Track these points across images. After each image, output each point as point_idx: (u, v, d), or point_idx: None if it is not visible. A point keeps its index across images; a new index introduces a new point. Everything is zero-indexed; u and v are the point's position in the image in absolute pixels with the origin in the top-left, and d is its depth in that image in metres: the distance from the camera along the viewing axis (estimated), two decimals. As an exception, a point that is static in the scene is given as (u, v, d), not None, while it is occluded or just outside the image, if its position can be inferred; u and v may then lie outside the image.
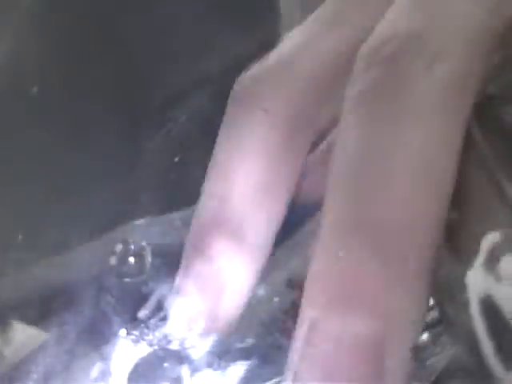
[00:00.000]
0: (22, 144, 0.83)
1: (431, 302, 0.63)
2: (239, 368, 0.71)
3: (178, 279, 0.62)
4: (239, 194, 0.56)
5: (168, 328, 0.73)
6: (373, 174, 0.35)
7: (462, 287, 0.60)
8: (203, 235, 0.60)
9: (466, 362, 0.59)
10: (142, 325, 0.74)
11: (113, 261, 0.77)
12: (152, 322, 0.74)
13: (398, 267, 0.37)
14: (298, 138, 0.49)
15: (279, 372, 0.68)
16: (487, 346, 0.56)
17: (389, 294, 0.38)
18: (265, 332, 0.71)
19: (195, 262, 0.62)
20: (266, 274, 0.68)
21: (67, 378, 0.73)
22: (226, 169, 0.57)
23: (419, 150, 0.35)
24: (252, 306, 0.73)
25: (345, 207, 0.37)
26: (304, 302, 0.42)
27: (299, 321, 0.44)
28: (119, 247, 0.78)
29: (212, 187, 0.59)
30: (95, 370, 0.73)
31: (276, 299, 0.74)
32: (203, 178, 0.60)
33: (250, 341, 0.72)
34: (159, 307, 0.75)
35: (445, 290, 0.65)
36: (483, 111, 0.44)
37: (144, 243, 0.78)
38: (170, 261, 0.75)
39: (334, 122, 0.43)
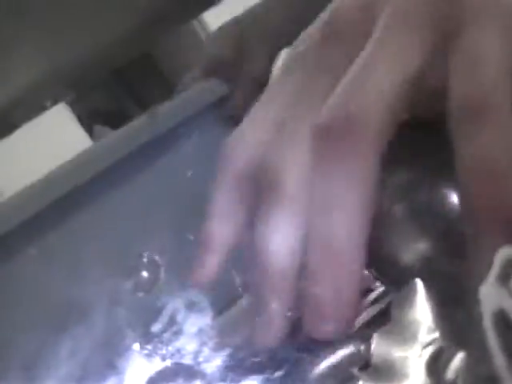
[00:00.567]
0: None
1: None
2: (252, 382, 0.72)
3: None
4: None
5: (181, 342, 0.73)
6: None
7: (476, 301, 0.60)
8: None
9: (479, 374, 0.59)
10: (156, 339, 0.74)
11: (126, 274, 0.77)
12: (165, 335, 0.75)
13: None
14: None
15: (292, 386, 0.69)
16: (500, 359, 0.56)
17: None
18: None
19: None
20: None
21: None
22: None
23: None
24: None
25: None
26: None
27: None
28: (133, 261, 0.78)
29: None
30: (108, 383, 0.73)
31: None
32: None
33: (262, 355, 0.72)
34: (172, 321, 0.75)
35: (459, 304, 0.65)
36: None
37: (157, 257, 0.79)
38: (184, 274, 0.75)
39: None
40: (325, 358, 0.69)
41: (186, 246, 0.79)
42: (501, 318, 0.58)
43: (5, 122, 0.84)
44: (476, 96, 0.50)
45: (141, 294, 0.77)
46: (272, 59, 0.71)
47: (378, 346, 0.63)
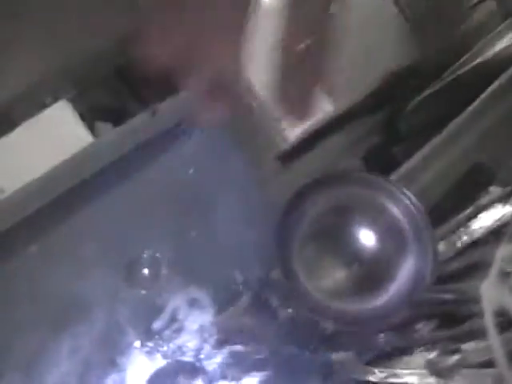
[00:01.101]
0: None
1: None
2: (253, 379, 0.72)
3: None
4: None
5: (182, 339, 0.73)
6: None
7: (477, 298, 0.60)
8: None
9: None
10: (157, 336, 0.74)
11: (127, 272, 0.77)
12: (166, 333, 0.74)
13: None
14: None
15: (293, 383, 0.69)
16: (500, 356, 0.56)
17: None
18: (278, 344, 0.71)
19: None
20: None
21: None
22: None
23: None
24: (266, 318, 0.73)
25: None
26: None
27: None
28: (134, 259, 0.78)
29: None
30: (110, 380, 0.73)
31: (290, 311, 0.74)
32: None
33: (263, 352, 0.72)
34: (173, 318, 0.75)
35: (461, 301, 0.65)
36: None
37: (158, 254, 0.79)
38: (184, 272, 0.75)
39: None
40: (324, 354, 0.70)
41: (187, 243, 0.79)
42: (502, 314, 0.58)
43: (5, 119, 0.84)
44: None
45: (142, 292, 0.76)
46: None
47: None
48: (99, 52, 0.88)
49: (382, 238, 0.75)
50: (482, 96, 0.94)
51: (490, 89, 0.95)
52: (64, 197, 0.80)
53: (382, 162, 1.10)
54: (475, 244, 0.74)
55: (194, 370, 0.71)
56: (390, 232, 0.75)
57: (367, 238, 0.75)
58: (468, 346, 0.62)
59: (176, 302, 0.76)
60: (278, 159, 1.15)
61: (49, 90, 0.88)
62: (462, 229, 0.77)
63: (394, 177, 0.87)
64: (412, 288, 0.71)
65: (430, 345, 0.67)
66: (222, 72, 0.56)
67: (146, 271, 0.77)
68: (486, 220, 0.76)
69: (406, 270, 0.72)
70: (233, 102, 0.56)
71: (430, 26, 1.15)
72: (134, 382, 0.73)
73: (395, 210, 0.76)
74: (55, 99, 0.87)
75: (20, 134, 0.84)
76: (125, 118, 0.87)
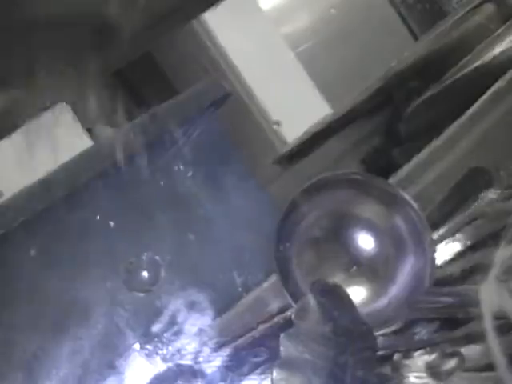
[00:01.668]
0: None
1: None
2: (252, 382, 0.72)
3: None
4: None
5: (182, 342, 0.73)
6: None
7: (476, 301, 0.60)
8: None
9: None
10: (156, 339, 0.74)
11: (127, 275, 0.77)
12: (166, 336, 0.74)
13: None
14: None
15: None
16: (500, 359, 0.56)
17: None
18: (277, 346, 0.71)
19: None
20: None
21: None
22: None
23: None
24: (265, 320, 0.73)
25: None
26: None
27: None
28: (133, 261, 0.78)
29: None
30: (109, 383, 0.73)
31: (290, 312, 0.74)
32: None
33: (262, 355, 0.72)
34: (173, 321, 0.75)
35: (459, 304, 0.64)
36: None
37: (157, 257, 0.79)
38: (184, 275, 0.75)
39: None
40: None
41: (187, 246, 0.79)
42: (502, 317, 0.58)
43: (5, 122, 0.84)
44: None
45: (141, 295, 0.76)
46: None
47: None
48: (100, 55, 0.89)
49: (380, 241, 0.75)
50: (480, 100, 0.94)
51: (488, 92, 0.95)
52: (63, 200, 0.80)
53: (381, 164, 1.10)
54: (474, 247, 0.74)
55: (193, 372, 0.71)
56: (388, 235, 0.75)
57: (366, 241, 0.75)
58: (467, 350, 0.62)
59: (175, 304, 0.76)
60: (277, 162, 1.15)
61: (48, 93, 0.88)
62: (460, 231, 0.78)
63: (392, 180, 0.87)
64: (411, 291, 0.71)
65: (429, 348, 0.66)
66: None
67: (145, 274, 0.77)
68: (484, 223, 0.76)
69: (404, 273, 0.72)
70: None
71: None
72: (132, 384, 0.73)
73: (394, 213, 0.76)
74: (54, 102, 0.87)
75: (19, 137, 0.84)
76: (124, 120, 0.87)
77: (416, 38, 1.40)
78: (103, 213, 0.81)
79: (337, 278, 0.73)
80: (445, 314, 0.69)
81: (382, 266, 0.73)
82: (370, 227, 0.75)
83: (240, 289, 0.78)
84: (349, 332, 0.63)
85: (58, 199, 0.79)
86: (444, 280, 0.72)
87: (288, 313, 0.73)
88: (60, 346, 0.74)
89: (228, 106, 1.03)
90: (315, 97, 1.23)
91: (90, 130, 0.92)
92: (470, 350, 0.63)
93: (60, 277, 0.77)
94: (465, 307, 0.65)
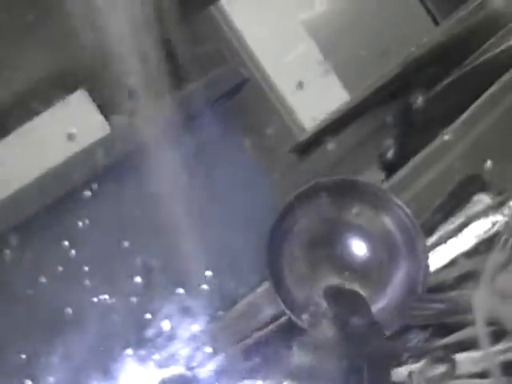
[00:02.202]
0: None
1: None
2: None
3: None
4: None
5: (175, 347, 0.73)
6: None
7: (469, 307, 0.59)
8: None
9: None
10: (149, 344, 0.74)
11: (120, 280, 0.77)
12: (159, 341, 0.74)
13: None
14: None
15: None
16: (493, 363, 0.55)
17: None
18: (271, 351, 0.71)
19: None
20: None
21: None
22: None
23: None
24: (259, 325, 0.73)
25: None
26: None
27: None
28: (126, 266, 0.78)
29: None
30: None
31: (284, 318, 0.74)
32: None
33: (256, 359, 0.72)
34: (166, 326, 0.75)
35: (452, 311, 0.64)
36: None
37: (151, 262, 0.78)
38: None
39: None
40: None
41: (180, 250, 0.79)
42: (493, 324, 0.57)
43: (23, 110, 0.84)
44: None
45: (134, 299, 0.76)
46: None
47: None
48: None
49: (373, 246, 0.74)
50: (474, 104, 0.92)
51: (482, 96, 0.93)
52: (56, 203, 0.80)
53: (399, 154, 1.08)
54: (467, 253, 0.73)
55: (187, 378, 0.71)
56: (381, 241, 0.74)
57: (359, 246, 0.74)
58: (460, 356, 0.62)
59: (168, 309, 0.76)
60: (294, 151, 1.14)
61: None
62: (453, 238, 0.76)
63: (386, 185, 0.86)
64: (404, 297, 0.70)
65: (422, 354, 0.66)
66: None
67: (138, 279, 0.77)
68: (477, 229, 0.74)
69: (397, 279, 0.72)
70: None
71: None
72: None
73: (387, 219, 0.75)
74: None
75: (37, 123, 0.85)
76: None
77: (436, 23, 1.37)
78: (96, 217, 0.81)
79: (329, 284, 0.72)
80: (438, 320, 0.69)
81: (375, 272, 0.73)
82: (363, 233, 0.74)
83: (234, 294, 0.77)
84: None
85: (52, 203, 0.79)
86: (437, 286, 0.71)
87: (282, 319, 0.73)
88: (53, 351, 0.75)
89: (245, 92, 1.02)
90: (334, 84, 1.21)
91: (107, 118, 0.92)
92: (463, 357, 0.62)
93: (52, 282, 0.77)
94: (458, 314, 0.64)
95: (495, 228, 0.71)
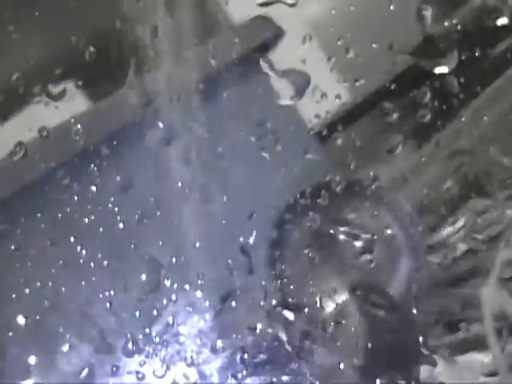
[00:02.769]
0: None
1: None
2: (252, 383, 0.72)
3: None
4: None
5: (181, 344, 0.73)
6: None
7: (478, 303, 0.60)
8: None
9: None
10: (156, 340, 0.73)
11: (126, 276, 0.77)
12: (165, 337, 0.74)
13: None
14: None
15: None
16: (500, 359, 0.56)
17: None
18: (277, 347, 0.71)
19: None
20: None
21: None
22: None
23: None
24: (266, 322, 0.73)
25: None
26: None
27: None
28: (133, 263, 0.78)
29: None
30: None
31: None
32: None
33: (262, 356, 0.72)
34: (172, 323, 0.75)
35: (461, 306, 0.64)
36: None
37: (157, 258, 0.78)
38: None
39: None
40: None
41: (188, 247, 0.79)
42: (503, 319, 0.58)
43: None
44: None
45: (141, 296, 0.76)
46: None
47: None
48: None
49: (374, 246, 0.75)
50: (473, 103, 0.93)
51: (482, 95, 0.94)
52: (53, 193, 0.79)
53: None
54: (474, 249, 0.74)
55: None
56: (382, 240, 0.75)
57: (360, 246, 0.75)
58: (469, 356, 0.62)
59: (175, 306, 0.76)
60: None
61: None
62: (460, 234, 0.77)
63: (386, 184, 0.86)
64: (405, 296, 0.71)
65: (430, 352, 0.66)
66: None
67: (144, 275, 0.77)
68: (483, 225, 0.75)
69: (398, 278, 0.73)
70: None
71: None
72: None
73: (388, 218, 0.76)
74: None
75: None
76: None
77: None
78: (102, 212, 0.81)
79: (332, 285, 0.73)
80: (445, 316, 0.69)
81: (376, 272, 0.73)
82: (364, 232, 0.75)
83: (239, 291, 0.77)
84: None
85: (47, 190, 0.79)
86: (445, 281, 0.72)
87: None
88: (59, 348, 0.74)
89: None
90: (337, 80, 1.18)
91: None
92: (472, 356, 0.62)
93: (58, 278, 0.77)
94: (466, 310, 0.65)
95: (503, 223, 0.72)
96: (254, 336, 0.73)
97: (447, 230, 0.78)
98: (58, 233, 0.78)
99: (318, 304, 0.74)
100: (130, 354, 0.73)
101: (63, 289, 0.76)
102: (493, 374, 0.58)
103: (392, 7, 1.06)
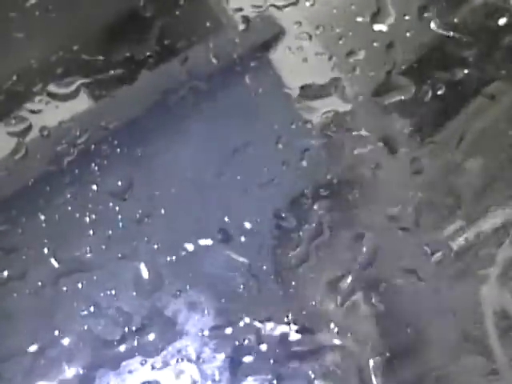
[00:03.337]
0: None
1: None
2: (251, 383, 0.72)
3: None
4: None
5: (182, 343, 0.73)
6: None
7: (478, 301, 0.60)
8: None
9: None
10: (157, 340, 0.73)
11: (128, 276, 0.77)
12: (167, 336, 0.74)
13: None
14: None
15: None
16: (501, 357, 0.56)
17: None
18: (275, 346, 0.71)
19: None
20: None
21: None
22: None
23: None
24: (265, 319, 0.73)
25: None
26: None
27: None
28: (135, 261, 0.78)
29: None
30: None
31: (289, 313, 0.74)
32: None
33: (261, 355, 0.72)
34: (173, 322, 0.75)
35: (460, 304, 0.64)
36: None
37: (158, 258, 0.78)
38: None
39: None
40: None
41: (188, 247, 0.79)
42: (503, 317, 0.58)
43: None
44: None
45: (142, 295, 0.76)
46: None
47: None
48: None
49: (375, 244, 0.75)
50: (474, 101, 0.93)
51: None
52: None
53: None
54: (475, 246, 0.74)
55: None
56: (382, 239, 0.76)
57: (363, 243, 0.76)
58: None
59: (176, 305, 0.76)
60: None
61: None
62: (462, 230, 0.77)
63: (386, 182, 0.86)
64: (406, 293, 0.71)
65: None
66: None
67: (145, 274, 0.77)
68: (486, 222, 0.75)
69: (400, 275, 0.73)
70: None
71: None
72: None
73: (388, 216, 0.76)
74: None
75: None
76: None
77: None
78: (107, 212, 0.81)
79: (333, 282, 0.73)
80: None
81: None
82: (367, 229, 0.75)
83: (242, 289, 0.77)
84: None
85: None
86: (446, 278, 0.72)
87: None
88: (62, 345, 0.74)
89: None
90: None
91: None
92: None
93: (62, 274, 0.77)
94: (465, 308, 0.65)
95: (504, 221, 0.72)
96: (255, 335, 0.73)
97: (448, 229, 0.78)
98: (58, 233, 0.78)
99: (322, 302, 0.75)
100: (130, 355, 0.73)
101: (64, 288, 0.76)
102: (493, 373, 0.58)
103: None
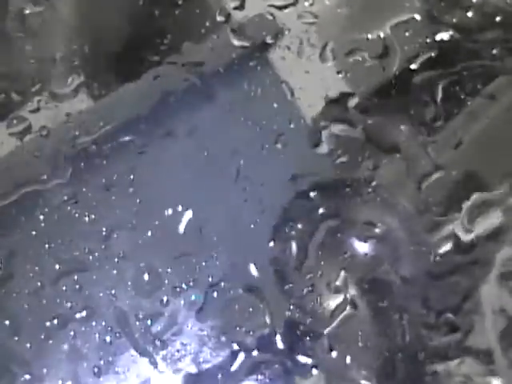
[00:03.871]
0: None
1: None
2: (251, 383, 0.72)
3: None
4: None
5: (181, 342, 0.73)
6: None
7: (478, 301, 0.60)
8: None
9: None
10: (156, 339, 0.74)
11: (127, 276, 0.77)
12: (165, 336, 0.74)
13: None
14: None
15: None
16: (500, 358, 0.56)
17: None
18: (275, 348, 0.71)
19: None
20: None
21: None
22: None
23: None
24: (263, 320, 0.73)
25: None
26: None
27: None
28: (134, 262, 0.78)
29: None
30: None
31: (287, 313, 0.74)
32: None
33: (262, 356, 0.72)
34: (173, 322, 0.75)
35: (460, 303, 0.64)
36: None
37: (158, 259, 0.78)
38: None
39: None
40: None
41: (188, 246, 0.79)
42: (503, 317, 0.58)
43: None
44: None
45: (141, 295, 0.76)
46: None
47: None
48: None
49: (376, 244, 0.75)
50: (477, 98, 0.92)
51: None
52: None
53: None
54: (475, 246, 0.73)
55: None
56: (383, 238, 0.75)
57: (362, 244, 0.75)
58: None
59: (175, 305, 0.76)
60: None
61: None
62: (460, 231, 0.77)
63: (386, 182, 0.86)
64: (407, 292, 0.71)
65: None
66: None
67: (146, 275, 0.77)
68: (484, 222, 0.75)
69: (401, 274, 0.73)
70: None
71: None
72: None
73: (389, 216, 0.76)
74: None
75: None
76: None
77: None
78: (104, 211, 0.81)
79: (335, 280, 0.73)
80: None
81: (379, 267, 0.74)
82: (366, 230, 0.75)
83: (241, 289, 0.77)
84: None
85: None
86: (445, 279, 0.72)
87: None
88: (58, 346, 0.74)
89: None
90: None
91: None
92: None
93: (59, 278, 0.77)
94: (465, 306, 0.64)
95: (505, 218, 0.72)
96: (256, 334, 0.73)
97: (447, 228, 0.78)
98: (58, 233, 0.78)
99: (322, 300, 0.75)
100: (130, 354, 0.73)
101: (64, 288, 0.76)
102: (492, 374, 0.58)
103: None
